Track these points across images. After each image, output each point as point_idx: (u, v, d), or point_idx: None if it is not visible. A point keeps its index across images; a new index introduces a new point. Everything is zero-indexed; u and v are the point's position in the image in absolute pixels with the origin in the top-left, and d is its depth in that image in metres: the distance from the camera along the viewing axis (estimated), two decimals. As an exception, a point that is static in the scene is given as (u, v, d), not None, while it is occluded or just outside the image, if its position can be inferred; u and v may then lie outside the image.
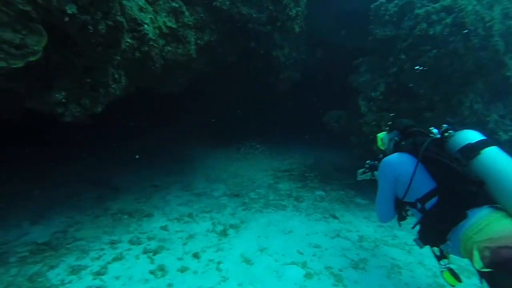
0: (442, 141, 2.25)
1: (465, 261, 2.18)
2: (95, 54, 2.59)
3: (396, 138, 2.65)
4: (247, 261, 3.18)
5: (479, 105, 4.29)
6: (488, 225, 1.87)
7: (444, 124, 2.30)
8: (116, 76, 2.92)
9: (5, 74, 2.21)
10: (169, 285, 2.78)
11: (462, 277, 2.22)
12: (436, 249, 2.28)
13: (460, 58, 3.69)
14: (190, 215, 4.23)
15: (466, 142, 2.10)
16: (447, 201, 2.06)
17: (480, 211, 1.95)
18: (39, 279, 2.75)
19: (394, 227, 4.13)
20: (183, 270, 2.99)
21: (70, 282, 2.74)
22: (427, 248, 2.35)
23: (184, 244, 3.50)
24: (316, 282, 2.89)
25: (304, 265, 3.14)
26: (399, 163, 2.33)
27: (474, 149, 2.06)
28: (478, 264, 1.80)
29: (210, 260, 3.17)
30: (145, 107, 7.54)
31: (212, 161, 7.12)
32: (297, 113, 8.06)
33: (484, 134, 2.17)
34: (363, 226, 4.19)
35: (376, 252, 3.54)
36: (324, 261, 3.25)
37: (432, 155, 2.16)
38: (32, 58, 1.99)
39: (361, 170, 3.07)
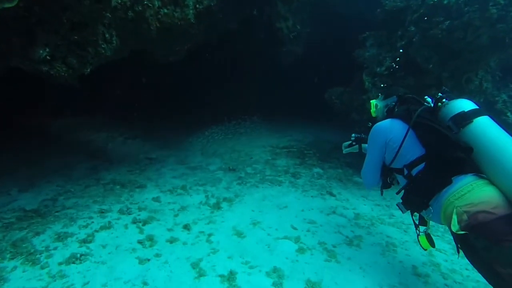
0: (435, 109, 2.25)
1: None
2: (82, 8, 2.39)
3: (392, 103, 2.64)
4: (239, 234, 3.09)
5: (489, 83, 4.09)
6: (470, 191, 1.91)
7: (439, 93, 2.28)
8: (107, 35, 2.73)
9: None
10: (157, 255, 2.70)
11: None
12: (416, 215, 2.37)
13: (474, 31, 3.43)
14: (183, 188, 4.14)
15: (459, 111, 2.10)
16: (434, 167, 2.09)
17: (464, 178, 1.98)
18: (24, 245, 2.67)
19: (391, 206, 4.05)
20: (172, 241, 2.90)
21: (55, 248, 2.66)
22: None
23: (175, 215, 3.41)
24: (309, 257, 2.80)
25: (297, 240, 3.06)
26: (391, 128, 2.34)
27: (466, 117, 2.05)
28: (455, 226, 1.86)
29: (201, 232, 3.08)
30: (143, 78, 7.34)
31: (209, 136, 6.99)
32: (299, 89, 7.82)
33: (477, 103, 2.16)
34: (360, 204, 4.09)
35: (371, 230, 3.45)
36: (318, 236, 3.16)
37: (424, 121, 2.16)
38: (7, 5, 1.80)
39: (346, 143, 3.02)
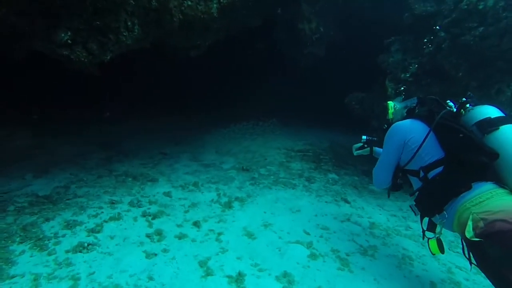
0: (458, 114, 2.21)
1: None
2: (106, -6, 2.36)
3: (413, 105, 2.60)
4: (250, 235, 3.00)
5: (522, 96, 3.87)
6: (490, 199, 1.87)
7: (463, 98, 2.24)
8: (129, 23, 2.69)
9: (8, 6, 2.02)
10: (165, 250, 2.63)
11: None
12: (426, 220, 2.32)
13: (511, 37, 3.25)
14: (195, 184, 4.08)
15: (485, 116, 2.06)
16: (454, 171, 2.04)
17: (484, 185, 1.94)
18: (33, 230, 2.65)
19: (408, 218, 3.88)
20: (181, 237, 2.83)
21: (63, 236, 2.63)
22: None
23: (186, 211, 3.35)
24: (321, 264, 2.68)
25: (309, 245, 2.94)
26: (411, 128, 2.29)
27: (492, 123, 2.01)
28: (469, 233, 1.82)
29: (211, 230, 3.00)
30: (162, 74, 7.37)
31: (225, 135, 6.94)
32: (318, 92, 7.69)
33: (503, 111, 2.12)
34: (376, 213, 3.93)
35: (387, 240, 3.29)
36: (331, 243, 3.04)
37: (447, 123, 2.12)
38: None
39: (357, 145, 2.97)
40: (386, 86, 4.62)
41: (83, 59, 2.41)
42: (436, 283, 2.64)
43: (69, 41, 2.26)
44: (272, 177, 4.62)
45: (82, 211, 3.06)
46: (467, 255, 2.05)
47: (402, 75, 4.40)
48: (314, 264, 2.66)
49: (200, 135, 6.67)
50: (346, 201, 4.11)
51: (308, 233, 3.16)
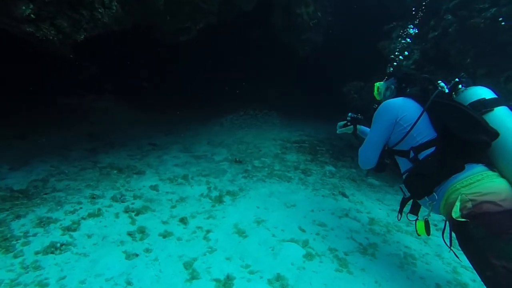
0: (450, 95, 2.14)
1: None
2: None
3: (392, 86, 2.52)
4: (241, 232, 2.78)
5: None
6: (480, 181, 1.85)
7: (456, 78, 2.17)
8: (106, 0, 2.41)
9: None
10: (147, 250, 2.40)
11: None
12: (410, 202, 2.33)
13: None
14: (185, 177, 3.84)
15: (479, 98, 2.02)
16: (447, 151, 1.98)
17: (476, 167, 1.92)
18: (0, 228, 2.40)
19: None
20: (166, 235, 2.60)
21: (34, 235, 2.39)
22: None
23: (173, 207, 3.12)
24: (317, 265, 2.47)
25: (305, 244, 2.72)
26: (403, 107, 2.18)
27: (487, 105, 1.97)
28: (456, 213, 1.82)
29: (199, 228, 2.78)
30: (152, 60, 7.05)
31: (217, 126, 6.69)
32: (315, 81, 7.42)
33: (496, 93, 2.07)
34: (375, 208, 3.73)
35: (388, 238, 3.09)
36: (328, 242, 2.83)
37: (443, 101, 2.04)
38: None
39: (341, 123, 2.88)
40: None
41: (51, 37, 2.13)
42: (442, 286, 2.45)
43: (32, 15, 1.97)
44: (266, 169, 4.40)
45: (59, 207, 2.81)
46: (446, 237, 2.08)
47: (405, 62, 4.14)
48: (310, 265, 2.44)
49: (192, 125, 6.42)
50: (344, 195, 3.90)
51: (303, 230, 2.95)
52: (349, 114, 2.78)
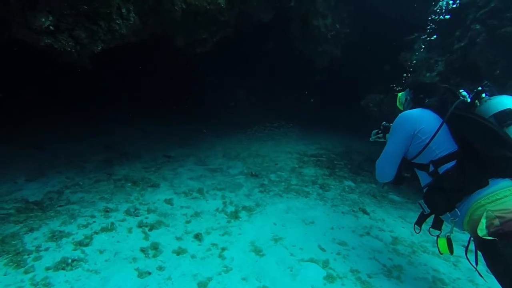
0: (473, 105, 2.04)
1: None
2: (93, -25, 2.06)
3: (408, 97, 2.45)
4: (257, 251, 2.64)
5: None
6: (508, 197, 1.73)
7: (479, 87, 2.05)
8: (124, 10, 2.39)
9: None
10: (160, 268, 2.30)
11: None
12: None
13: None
14: (200, 191, 3.75)
15: (504, 108, 1.90)
16: (469, 165, 1.87)
17: (502, 182, 1.80)
18: (13, 242, 2.35)
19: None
20: (179, 252, 2.50)
21: (46, 249, 2.33)
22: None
23: (187, 222, 3.02)
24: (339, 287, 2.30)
25: (325, 264, 2.57)
26: (420, 118, 2.08)
27: None
28: (482, 231, 1.70)
29: (214, 245, 2.66)
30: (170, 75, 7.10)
31: (233, 138, 6.63)
32: (332, 94, 7.30)
33: None
34: (398, 226, 3.53)
35: (413, 259, 2.89)
36: (350, 262, 2.66)
37: (463, 113, 1.93)
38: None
39: (375, 131, 2.77)
40: (409, 86, 4.22)
41: (69, 49, 2.11)
42: (477, 316, 2.24)
43: (51, 27, 1.96)
44: (283, 183, 4.27)
45: (72, 220, 2.75)
46: (469, 255, 1.98)
47: (428, 74, 3.99)
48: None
49: (208, 138, 6.38)
50: (365, 212, 3.72)
51: (323, 250, 2.79)
52: (383, 123, 2.67)
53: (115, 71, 5.96)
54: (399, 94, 2.64)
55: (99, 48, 2.38)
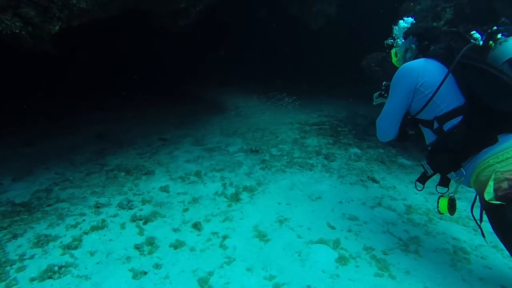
0: (487, 48, 1.77)
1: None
2: None
3: (413, 45, 2.14)
4: (262, 236, 2.45)
5: None
6: None
7: (495, 26, 1.78)
8: (78, -20, 2.03)
9: None
10: (157, 265, 2.12)
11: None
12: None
13: None
14: (197, 174, 3.53)
15: None
16: (476, 121, 1.70)
17: (511, 138, 1.64)
18: (-5, 252, 2.17)
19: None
20: (177, 245, 2.31)
21: (31, 257, 2.14)
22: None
23: (185, 210, 2.82)
24: (353, 270, 2.11)
25: (336, 244, 2.37)
26: (424, 70, 1.86)
27: None
28: (489, 194, 1.59)
29: (214, 233, 2.47)
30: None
31: (229, 113, 6.34)
32: (330, 56, 6.88)
33: None
34: (411, 193, 3.31)
35: (430, 228, 2.68)
36: (362, 239, 2.46)
37: (470, 62, 1.71)
38: None
39: (377, 93, 2.46)
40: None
41: (17, 30, 1.80)
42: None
43: (-11, 5, 1.64)
44: (285, 157, 4.03)
45: (60, 221, 2.55)
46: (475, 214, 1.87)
47: (434, 24, 3.60)
48: (344, 272, 2.09)
49: (203, 115, 6.09)
50: (374, 181, 3.50)
51: (333, 227, 2.59)
52: (384, 82, 2.38)
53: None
54: (394, 50, 2.38)
55: (56, 28, 2.05)
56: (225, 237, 2.42)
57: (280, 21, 5.92)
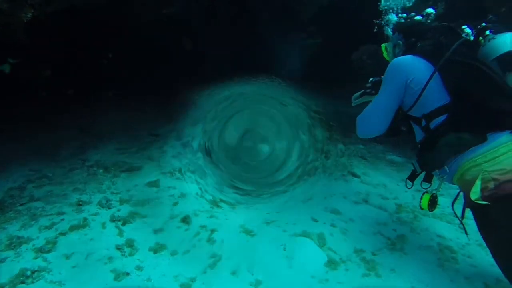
0: (476, 45, 1.78)
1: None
2: None
3: (400, 41, 2.14)
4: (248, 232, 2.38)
5: None
6: (506, 154, 1.55)
7: (483, 22, 1.81)
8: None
9: None
10: (138, 267, 2.02)
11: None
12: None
13: None
14: (180, 171, 3.42)
15: (509, 50, 1.67)
16: (462, 119, 1.66)
17: (500, 137, 1.60)
18: (-38, 258, 2.03)
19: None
20: (156, 250, 2.22)
21: (3, 261, 2.01)
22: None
23: (175, 204, 2.73)
24: (343, 274, 2.06)
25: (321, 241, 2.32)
26: (412, 67, 1.83)
27: None
28: (475, 194, 1.56)
29: (203, 226, 2.39)
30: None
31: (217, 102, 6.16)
32: (321, 48, 6.76)
33: None
34: (401, 191, 3.26)
35: (415, 225, 2.67)
36: (351, 240, 2.42)
37: (461, 58, 1.70)
38: None
39: (357, 93, 2.32)
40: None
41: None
42: (491, 286, 2.02)
43: None
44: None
45: (33, 222, 2.40)
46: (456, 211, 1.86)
47: (423, 19, 3.53)
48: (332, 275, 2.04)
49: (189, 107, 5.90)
50: (354, 175, 3.46)
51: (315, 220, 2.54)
52: (370, 79, 2.29)
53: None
54: (384, 44, 2.35)
55: (28, 16, 1.88)
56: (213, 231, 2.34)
57: (270, 10, 5.76)
